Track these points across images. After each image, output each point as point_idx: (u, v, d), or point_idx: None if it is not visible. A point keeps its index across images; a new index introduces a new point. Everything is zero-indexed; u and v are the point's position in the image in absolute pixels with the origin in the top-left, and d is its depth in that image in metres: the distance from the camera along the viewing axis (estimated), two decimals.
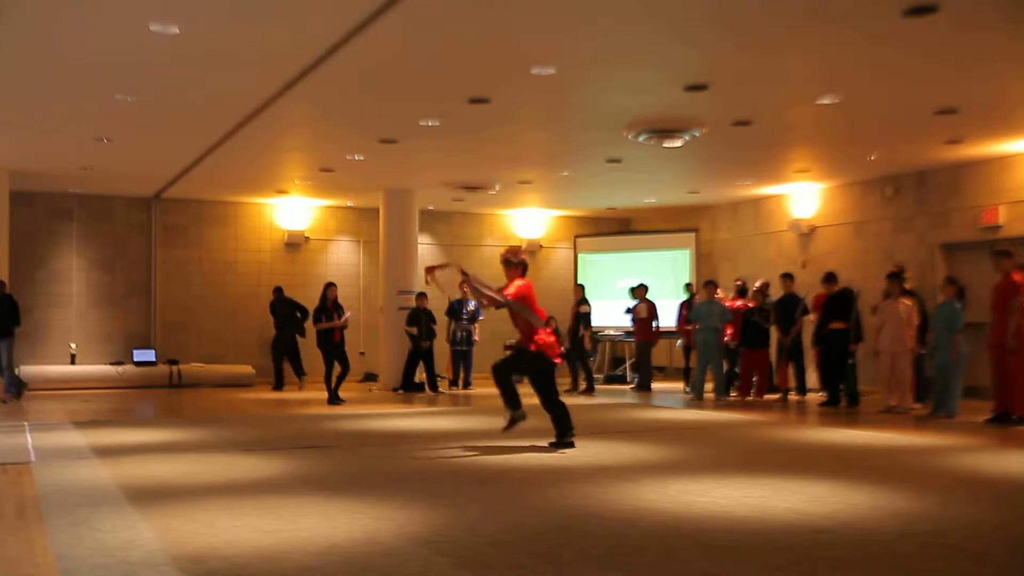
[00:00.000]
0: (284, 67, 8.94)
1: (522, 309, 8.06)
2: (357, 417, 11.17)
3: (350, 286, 18.44)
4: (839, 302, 12.71)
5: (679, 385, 16.15)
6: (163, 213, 17.29)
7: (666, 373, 18.46)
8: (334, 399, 12.97)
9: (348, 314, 13.46)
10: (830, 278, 12.81)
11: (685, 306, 15.50)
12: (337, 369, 13.23)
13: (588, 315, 15.00)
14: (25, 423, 10.31)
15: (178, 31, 7.76)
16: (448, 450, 7.96)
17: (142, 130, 11.68)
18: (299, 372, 16.37)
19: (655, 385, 16.00)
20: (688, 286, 16.03)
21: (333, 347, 13.26)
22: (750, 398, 13.63)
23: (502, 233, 19.76)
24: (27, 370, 15.40)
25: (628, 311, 16.03)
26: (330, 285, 13.51)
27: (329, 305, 13.28)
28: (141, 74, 9.15)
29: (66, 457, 7.62)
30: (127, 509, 5.48)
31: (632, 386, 16.20)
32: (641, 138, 11.46)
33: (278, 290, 16.72)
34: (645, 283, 15.85)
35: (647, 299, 15.67)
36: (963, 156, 13.11)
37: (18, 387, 13.92)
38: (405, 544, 4.64)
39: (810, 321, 13.36)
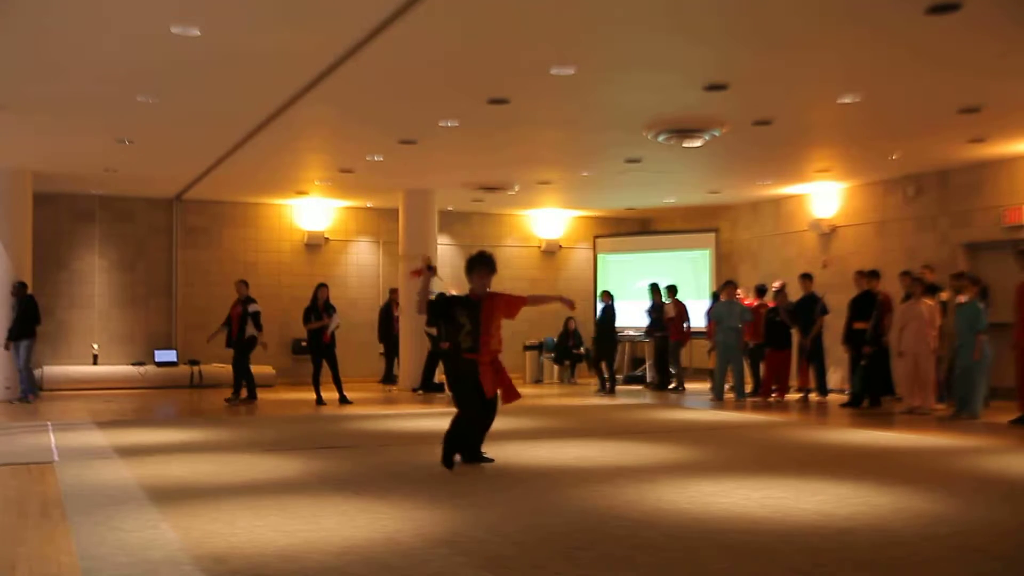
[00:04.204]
0: (304, 69, 8.97)
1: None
2: (377, 418, 11.20)
3: (369, 287, 18.50)
4: (863, 303, 12.67)
5: (691, 386, 16.10)
6: (184, 214, 17.38)
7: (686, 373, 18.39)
8: (339, 400, 13.01)
9: (337, 316, 13.38)
10: (872, 274, 12.88)
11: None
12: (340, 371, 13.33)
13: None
14: (48, 423, 10.39)
15: (199, 33, 7.79)
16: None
17: (164, 132, 11.75)
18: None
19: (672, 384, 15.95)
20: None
21: (322, 348, 13.25)
22: (772, 399, 13.58)
23: (521, 233, 19.76)
24: (49, 370, 15.53)
25: (649, 312, 16.01)
26: (321, 286, 13.48)
27: (319, 306, 13.27)
28: (163, 76, 9.20)
29: (89, 457, 7.67)
30: (149, 509, 5.52)
31: (649, 386, 16.18)
32: (661, 138, 11.43)
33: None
34: (674, 284, 15.88)
35: (677, 299, 15.67)
36: (986, 155, 13.00)
37: (29, 388, 13.91)
38: (425, 544, 4.64)
39: (828, 321, 13.34)
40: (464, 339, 7.01)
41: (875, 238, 15.30)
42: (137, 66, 8.87)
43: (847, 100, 10.03)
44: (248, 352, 13.60)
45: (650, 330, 16.14)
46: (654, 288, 16.15)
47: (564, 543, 4.69)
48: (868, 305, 12.62)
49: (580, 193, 17.07)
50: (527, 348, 18.33)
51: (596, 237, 19.54)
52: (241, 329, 13.46)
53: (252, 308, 13.59)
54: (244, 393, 13.56)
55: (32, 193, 14.68)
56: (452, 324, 7.08)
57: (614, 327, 15.40)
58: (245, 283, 14.00)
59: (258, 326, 13.55)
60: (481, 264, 7.13)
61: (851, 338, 12.77)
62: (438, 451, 7.23)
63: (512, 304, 7.28)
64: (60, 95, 9.93)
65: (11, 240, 14.28)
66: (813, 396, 13.73)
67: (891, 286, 13.07)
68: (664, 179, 15.27)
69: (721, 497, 5.87)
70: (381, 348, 17.41)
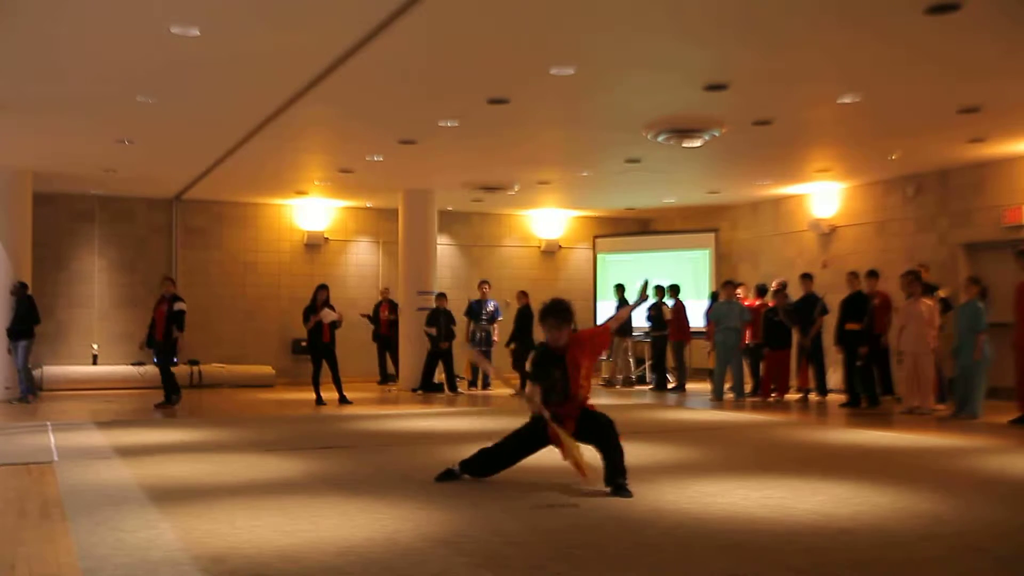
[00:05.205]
0: (304, 68, 8.97)
1: None
2: (376, 418, 11.20)
3: (369, 287, 18.49)
4: (855, 303, 12.68)
5: (691, 386, 16.10)
6: (184, 214, 17.38)
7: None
8: (339, 400, 13.01)
9: (335, 312, 13.32)
10: (872, 274, 12.85)
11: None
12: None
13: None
14: (48, 423, 10.39)
15: (199, 33, 7.79)
16: (467, 451, 7.94)
17: (163, 132, 11.75)
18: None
19: (670, 384, 15.95)
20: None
21: (322, 348, 13.24)
22: (771, 399, 13.58)
23: (521, 233, 19.75)
24: (49, 370, 15.53)
25: (648, 311, 16.03)
26: (321, 287, 13.46)
27: (319, 307, 13.28)
28: (162, 76, 9.20)
29: (88, 457, 7.67)
30: (149, 509, 5.51)
31: (651, 387, 16.19)
32: (661, 138, 11.43)
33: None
34: (676, 283, 15.91)
35: (678, 299, 15.69)
36: (986, 155, 13.00)
37: (29, 388, 13.88)
38: (424, 544, 4.64)
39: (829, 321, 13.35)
40: (552, 393, 6.18)
41: (875, 238, 15.31)
42: (137, 66, 8.87)
43: (847, 100, 10.03)
44: (173, 353, 12.99)
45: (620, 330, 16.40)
46: (619, 288, 16.33)
47: (563, 543, 4.68)
48: (859, 306, 12.63)
49: (580, 193, 17.07)
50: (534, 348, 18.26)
51: (596, 237, 19.54)
52: (168, 329, 12.71)
53: (177, 307, 12.77)
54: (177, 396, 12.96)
55: (32, 193, 14.68)
56: (548, 380, 6.19)
57: (531, 329, 14.85)
58: (172, 280, 13.33)
59: (180, 327, 12.73)
60: (550, 314, 6.15)
61: (843, 339, 12.77)
62: (437, 451, 7.21)
63: (600, 340, 6.48)
64: (60, 95, 9.93)
65: (11, 240, 14.28)
66: (813, 396, 13.73)
67: (891, 286, 13.06)
68: (664, 179, 15.27)
69: (721, 497, 5.86)
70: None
